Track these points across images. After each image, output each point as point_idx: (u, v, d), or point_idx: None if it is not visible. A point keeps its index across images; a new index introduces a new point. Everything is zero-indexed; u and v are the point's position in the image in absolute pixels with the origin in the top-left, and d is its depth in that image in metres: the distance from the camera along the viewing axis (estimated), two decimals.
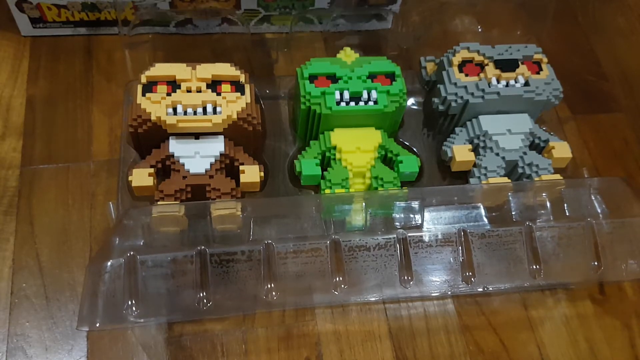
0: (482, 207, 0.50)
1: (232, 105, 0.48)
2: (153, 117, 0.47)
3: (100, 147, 0.56)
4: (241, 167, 0.48)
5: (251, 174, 0.48)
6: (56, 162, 0.55)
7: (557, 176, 0.51)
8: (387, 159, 0.53)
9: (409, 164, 0.51)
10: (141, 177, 0.47)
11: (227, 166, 0.49)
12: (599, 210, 0.50)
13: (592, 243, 0.50)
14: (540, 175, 0.51)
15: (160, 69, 0.49)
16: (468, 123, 0.54)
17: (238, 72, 0.50)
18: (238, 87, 0.50)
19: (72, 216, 0.52)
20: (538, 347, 0.50)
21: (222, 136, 0.49)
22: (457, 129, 0.54)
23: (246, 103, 0.48)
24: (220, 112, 0.48)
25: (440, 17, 0.65)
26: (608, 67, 0.67)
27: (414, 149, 0.56)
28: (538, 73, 0.54)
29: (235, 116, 0.48)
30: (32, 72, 0.59)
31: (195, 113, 0.48)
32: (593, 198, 0.50)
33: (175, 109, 0.48)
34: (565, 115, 0.63)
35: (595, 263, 0.49)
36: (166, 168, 0.48)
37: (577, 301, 0.52)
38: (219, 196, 0.47)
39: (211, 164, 0.48)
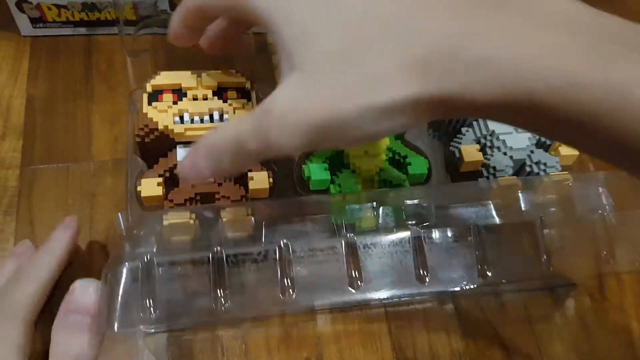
0: (492, 203, 0.50)
1: (239, 112, 0.48)
2: (160, 126, 0.47)
3: (100, 147, 0.56)
4: (250, 174, 0.48)
5: (260, 180, 0.48)
6: (56, 162, 0.54)
7: (566, 174, 0.51)
8: (395, 161, 0.53)
9: (418, 165, 0.51)
10: (150, 187, 0.46)
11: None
12: (607, 204, 0.50)
13: (602, 236, 0.50)
14: (548, 173, 0.51)
15: (166, 77, 0.49)
16: (474, 123, 0.54)
17: (243, 79, 0.50)
18: (244, 93, 0.50)
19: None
20: (538, 346, 0.50)
21: None
22: (463, 129, 0.54)
23: (253, 109, 0.48)
24: (227, 119, 0.48)
25: None
26: None
27: (421, 150, 0.56)
28: None
29: None
30: (32, 72, 0.59)
31: (202, 121, 0.48)
32: (601, 191, 0.50)
33: (181, 117, 0.47)
34: None
35: (609, 258, 0.50)
36: (174, 177, 0.48)
37: (577, 300, 0.53)
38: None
39: None
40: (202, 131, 0.47)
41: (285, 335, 0.49)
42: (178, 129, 0.47)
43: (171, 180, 0.48)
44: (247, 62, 0.56)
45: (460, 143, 0.53)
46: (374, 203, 0.47)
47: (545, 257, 0.49)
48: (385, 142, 0.52)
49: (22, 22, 0.60)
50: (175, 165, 0.47)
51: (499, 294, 0.52)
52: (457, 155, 0.53)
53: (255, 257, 0.46)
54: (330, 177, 0.50)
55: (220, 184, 0.47)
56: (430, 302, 0.51)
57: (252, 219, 0.46)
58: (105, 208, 0.53)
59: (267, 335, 0.48)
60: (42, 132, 0.56)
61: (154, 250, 0.44)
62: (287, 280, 0.45)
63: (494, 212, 0.49)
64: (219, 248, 0.44)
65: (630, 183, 0.51)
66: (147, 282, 0.42)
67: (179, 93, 0.49)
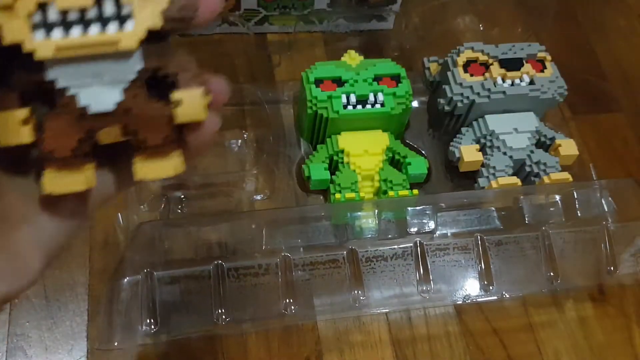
0: (495, 211, 0.49)
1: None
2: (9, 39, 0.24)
3: None
4: (175, 95, 0.25)
5: (191, 103, 0.26)
6: None
7: (565, 174, 0.51)
8: (394, 161, 0.52)
9: (418, 165, 0.51)
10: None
11: (154, 84, 0.26)
12: (611, 213, 0.50)
13: (606, 246, 0.50)
14: (548, 173, 0.51)
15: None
16: (474, 123, 0.54)
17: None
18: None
19: None
20: (538, 347, 0.50)
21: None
22: (463, 129, 0.54)
23: None
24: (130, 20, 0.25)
25: (441, 16, 0.65)
26: (608, 67, 0.67)
27: (421, 150, 0.56)
28: (542, 71, 0.54)
29: (158, 21, 0.24)
30: None
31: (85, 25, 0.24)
32: (604, 201, 0.50)
33: (46, 24, 0.24)
34: (566, 115, 0.63)
35: (611, 268, 0.50)
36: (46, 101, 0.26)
37: (577, 301, 0.52)
38: (147, 148, 0.26)
39: (125, 91, 0.26)
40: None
41: (285, 335, 0.48)
42: (44, 47, 0.24)
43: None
44: (247, 60, 0.56)
45: (460, 143, 0.53)
46: (376, 210, 0.47)
47: (550, 272, 0.49)
48: (385, 142, 0.52)
49: None
50: (43, 84, 0.25)
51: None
52: (457, 155, 0.52)
53: (257, 271, 0.45)
54: (330, 177, 0.50)
55: (127, 111, 0.25)
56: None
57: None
58: (105, 208, 0.52)
59: (267, 335, 0.48)
60: None
61: (156, 259, 0.43)
62: (288, 295, 0.45)
63: (496, 220, 0.49)
64: (220, 261, 0.44)
65: (634, 191, 0.51)
66: (148, 297, 0.42)
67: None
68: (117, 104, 0.26)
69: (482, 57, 0.53)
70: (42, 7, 0.24)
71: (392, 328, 0.49)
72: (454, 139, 0.54)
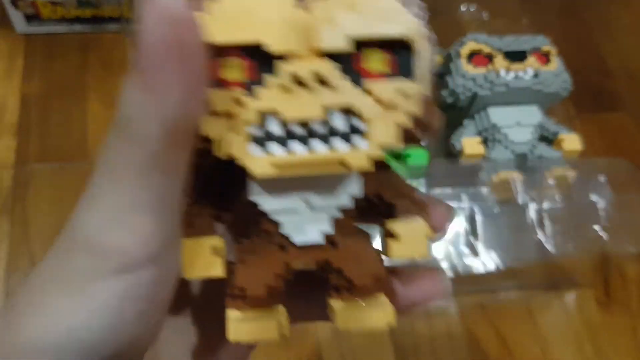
0: (488, 187, 0.49)
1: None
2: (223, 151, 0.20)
3: (95, 146, 0.55)
4: (392, 227, 0.22)
5: (411, 237, 0.22)
6: (51, 162, 0.54)
7: (568, 169, 0.51)
8: (393, 152, 0.52)
9: (418, 157, 0.50)
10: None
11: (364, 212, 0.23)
12: (604, 189, 0.50)
13: (598, 221, 0.50)
14: (550, 168, 0.51)
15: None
16: (476, 115, 0.53)
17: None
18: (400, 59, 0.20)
19: (67, 216, 0.51)
20: (542, 349, 0.50)
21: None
22: (465, 122, 0.54)
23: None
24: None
25: (445, 7, 0.65)
26: (613, 65, 0.67)
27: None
28: (547, 65, 0.53)
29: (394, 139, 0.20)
30: (27, 70, 0.59)
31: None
32: (598, 179, 0.50)
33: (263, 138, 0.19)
34: (571, 113, 0.62)
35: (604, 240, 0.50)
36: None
37: (582, 303, 0.52)
38: (349, 290, 0.21)
39: (334, 221, 0.22)
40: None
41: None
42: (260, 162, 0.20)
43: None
44: None
45: (461, 136, 0.53)
46: None
47: (541, 239, 0.48)
48: None
49: (17, 19, 0.60)
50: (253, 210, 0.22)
51: (500, 291, 0.51)
52: (458, 148, 0.52)
53: None
54: None
55: (333, 243, 0.22)
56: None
57: None
58: None
59: None
60: (37, 131, 0.56)
61: None
62: None
63: (488, 195, 0.49)
64: None
65: (628, 170, 0.51)
66: None
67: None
68: (325, 236, 0.22)
69: (486, 49, 0.53)
70: (262, 118, 0.19)
71: (393, 330, 0.49)
72: (456, 132, 0.54)
